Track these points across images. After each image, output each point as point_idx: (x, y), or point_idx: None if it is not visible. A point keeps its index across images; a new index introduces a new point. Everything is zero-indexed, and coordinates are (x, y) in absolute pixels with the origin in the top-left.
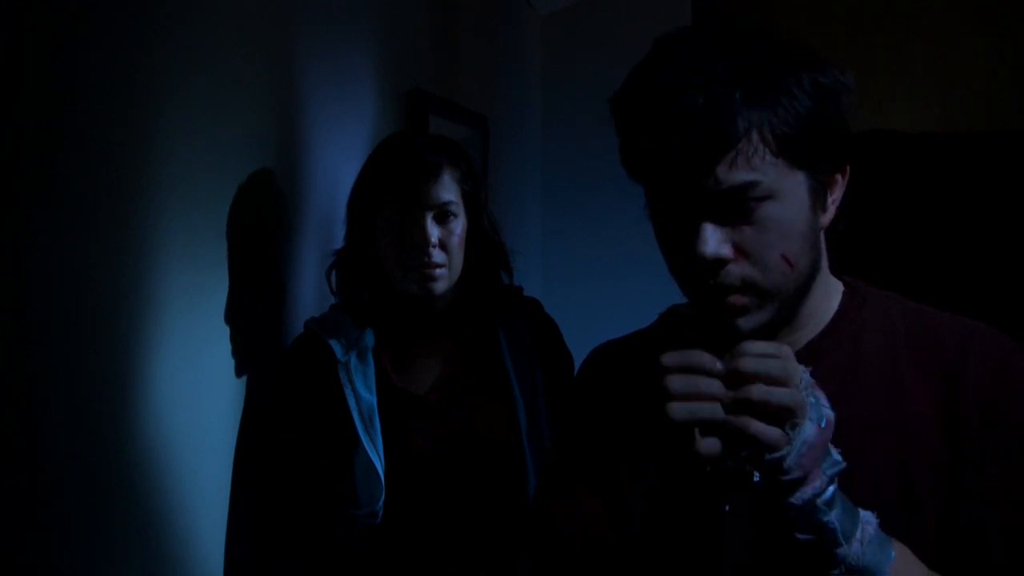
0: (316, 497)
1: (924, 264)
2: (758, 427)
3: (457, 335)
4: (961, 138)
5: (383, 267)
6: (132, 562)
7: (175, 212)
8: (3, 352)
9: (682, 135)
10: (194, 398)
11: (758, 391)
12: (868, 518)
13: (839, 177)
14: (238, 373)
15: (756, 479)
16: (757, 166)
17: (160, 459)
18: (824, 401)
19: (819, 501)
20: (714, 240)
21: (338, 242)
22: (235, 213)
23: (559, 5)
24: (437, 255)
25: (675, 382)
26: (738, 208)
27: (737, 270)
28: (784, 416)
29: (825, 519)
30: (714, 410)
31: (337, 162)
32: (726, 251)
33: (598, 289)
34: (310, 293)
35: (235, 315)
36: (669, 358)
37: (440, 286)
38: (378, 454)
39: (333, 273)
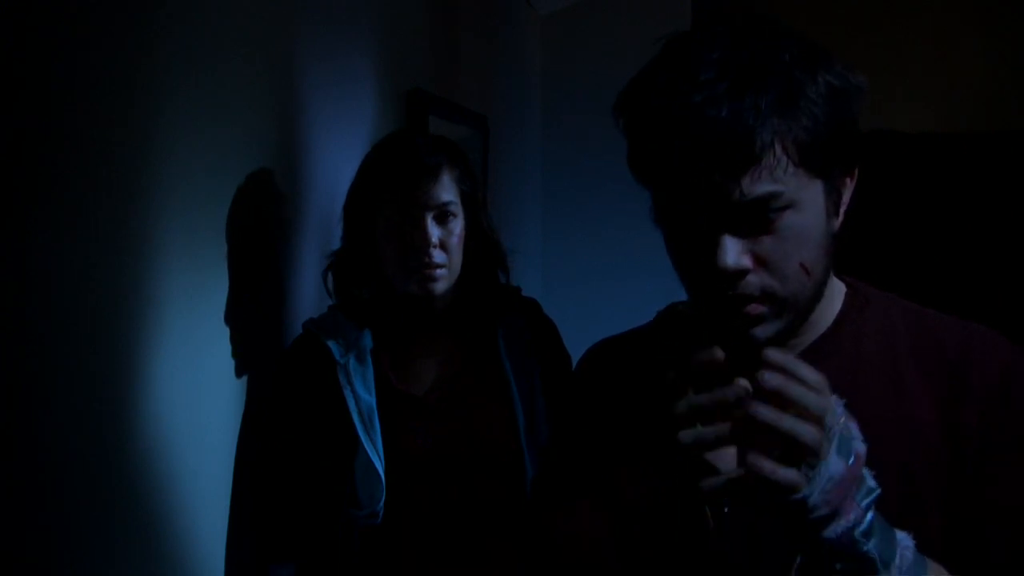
0: (316, 498)
1: (924, 264)
2: (774, 471)
3: (456, 335)
4: (961, 138)
5: (382, 268)
6: (132, 562)
7: (175, 212)
8: (3, 352)
9: (705, 147)
10: (194, 398)
11: (788, 422)
12: (906, 542)
13: (848, 181)
14: (238, 373)
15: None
16: (780, 177)
17: (160, 459)
18: (856, 433)
19: (857, 533)
20: (734, 252)
21: (338, 242)
22: (235, 213)
23: (559, 5)
24: (438, 255)
25: (684, 406)
26: (758, 219)
27: (756, 280)
28: (801, 453)
29: (864, 549)
30: (721, 434)
31: (337, 162)
32: (746, 262)
33: (598, 289)
34: (310, 293)
35: (235, 315)
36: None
37: (440, 286)
38: (378, 454)
39: (330, 275)
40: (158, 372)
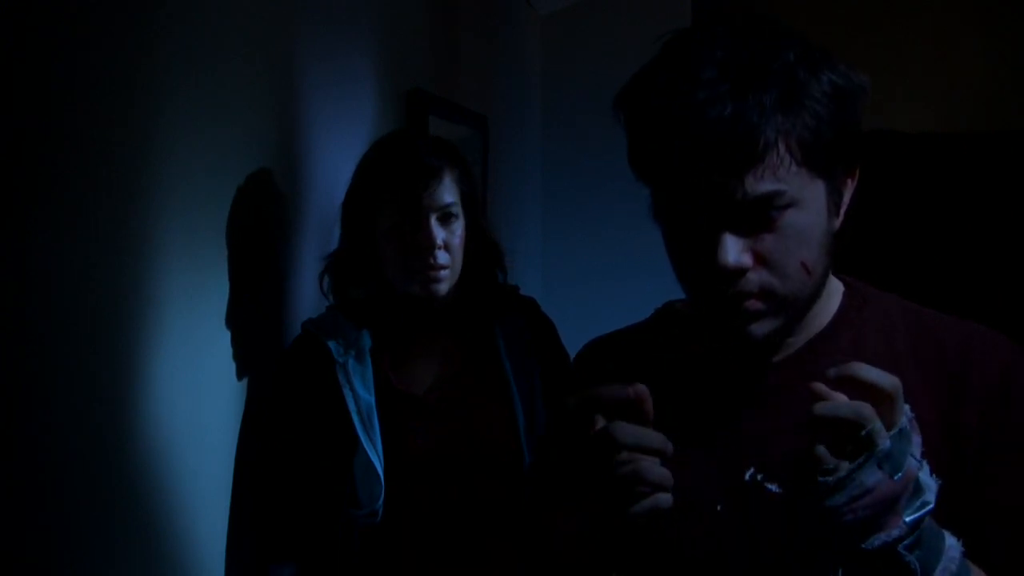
0: (316, 497)
1: (924, 264)
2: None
3: (456, 335)
4: (961, 138)
5: (382, 268)
6: (132, 562)
7: (175, 212)
8: (3, 352)
9: (708, 146)
10: (194, 398)
11: (846, 408)
12: (954, 551)
13: (850, 180)
14: (238, 373)
15: (774, 489)
16: (782, 176)
17: (160, 459)
18: (914, 450)
19: (901, 547)
20: (735, 250)
21: (338, 243)
22: (235, 213)
23: (559, 5)
24: (442, 257)
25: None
26: (759, 217)
27: (756, 278)
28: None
29: (906, 560)
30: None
31: (337, 162)
32: (746, 260)
33: (598, 289)
34: (310, 294)
35: (235, 315)
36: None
37: (443, 287)
38: (377, 454)
39: (326, 276)
40: (158, 372)
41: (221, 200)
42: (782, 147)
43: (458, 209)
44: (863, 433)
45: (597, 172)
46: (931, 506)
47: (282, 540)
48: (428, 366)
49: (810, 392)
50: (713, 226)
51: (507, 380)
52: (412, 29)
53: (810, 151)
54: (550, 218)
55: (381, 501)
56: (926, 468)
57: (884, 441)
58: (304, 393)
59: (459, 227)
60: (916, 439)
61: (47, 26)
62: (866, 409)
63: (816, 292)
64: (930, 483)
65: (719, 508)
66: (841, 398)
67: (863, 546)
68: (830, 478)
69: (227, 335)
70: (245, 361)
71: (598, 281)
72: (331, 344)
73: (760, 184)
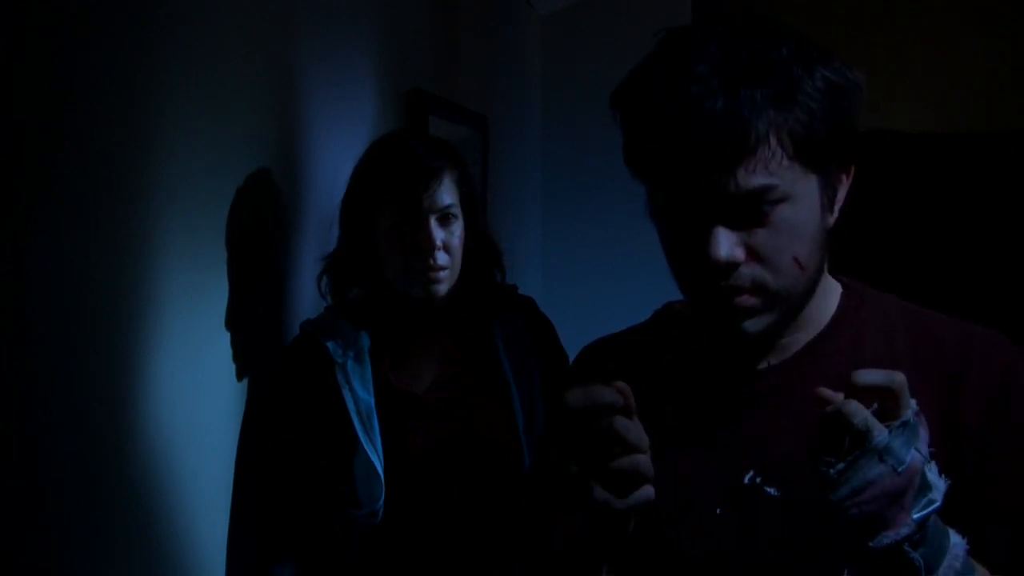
0: (316, 498)
1: (924, 264)
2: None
3: (455, 335)
4: (961, 138)
5: (382, 269)
6: (132, 562)
7: (175, 212)
8: (3, 352)
9: (700, 139)
10: (194, 398)
11: (851, 407)
12: (958, 549)
13: (844, 177)
14: (238, 373)
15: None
16: (775, 170)
17: (160, 459)
18: (921, 444)
19: (906, 545)
20: (727, 244)
21: (336, 243)
22: (235, 213)
23: (559, 5)
24: (441, 258)
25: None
26: (752, 211)
27: (748, 272)
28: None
29: (910, 556)
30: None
31: (337, 162)
32: (739, 254)
33: (598, 289)
34: (310, 294)
35: (235, 315)
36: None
37: (443, 288)
38: (377, 454)
39: (324, 277)
40: (158, 372)
41: (221, 200)
42: (773, 141)
43: (457, 210)
44: (855, 427)
45: (597, 172)
46: (937, 504)
47: (282, 540)
48: (428, 366)
49: (813, 397)
50: (706, 220)
51: (507, 380)
52: (412, 29)
53: (803, 146)
54: (550, 218)
55: (381, 501)
56: (934, 467)
57: (881, 433)
58: (303, 393)
59: (458, 228)
60: (924, 434)
61: (47, 26)
62: (852, 405)
63: (810, 288)
64: (938, 483)
65: (719, 511)
66: (842, 399)
67: (871, 545)
68: (832, 470)
69: (227, 335)
70: (245, 361)
71: (598, 281)
72: (330, 345)
73: (752, 178)
